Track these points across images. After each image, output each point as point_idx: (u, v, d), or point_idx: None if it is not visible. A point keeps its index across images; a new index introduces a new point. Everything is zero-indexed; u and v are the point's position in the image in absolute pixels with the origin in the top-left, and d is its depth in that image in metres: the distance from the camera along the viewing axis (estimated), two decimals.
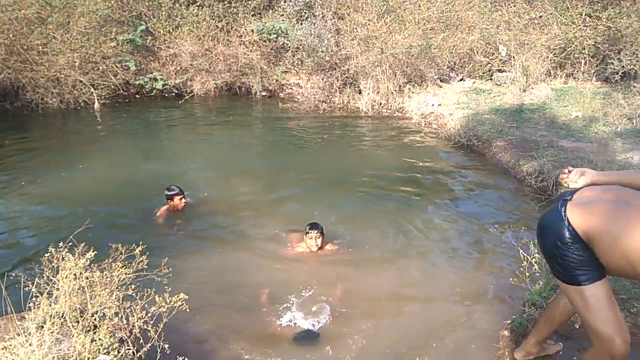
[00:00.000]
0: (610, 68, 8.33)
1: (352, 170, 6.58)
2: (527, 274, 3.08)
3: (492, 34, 10.00)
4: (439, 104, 9.31)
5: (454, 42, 9.96)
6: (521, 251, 3.22)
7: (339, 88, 10.42)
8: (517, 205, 5.36)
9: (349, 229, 4.71)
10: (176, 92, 10.56)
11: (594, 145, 6.26)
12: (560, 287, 2.16)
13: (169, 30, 10.52)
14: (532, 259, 3.20)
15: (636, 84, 7.64)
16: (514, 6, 10.13)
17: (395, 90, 9.89)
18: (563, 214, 1.97)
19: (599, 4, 9.43)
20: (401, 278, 3.87)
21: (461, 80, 10.47)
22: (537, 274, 3.23)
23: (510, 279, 3.21)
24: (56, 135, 8.03)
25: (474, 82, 10.36)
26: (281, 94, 11.27)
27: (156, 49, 10.57)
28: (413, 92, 9.89)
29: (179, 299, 2.71)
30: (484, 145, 7.17)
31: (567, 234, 1.93)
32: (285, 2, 10.70)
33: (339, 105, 10.32)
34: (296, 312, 3.36)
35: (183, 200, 4.91)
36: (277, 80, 11.02)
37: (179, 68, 10.61)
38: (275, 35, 10.50)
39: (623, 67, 8.05)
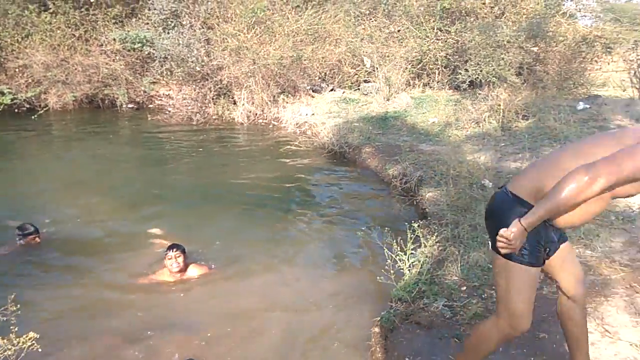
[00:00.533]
0: (459, 77, 9.28)
1: (228, 183, 6.48)
2: (391, 271, 3.27)
3: (357, 47, 10.58)
4: (312, 114, 9.58)
5: (323, 54, 10.35)
6: (386, 250, 3.41)
7: (213, 99, 10.23)
8: (385, 206, 5.69)
9: (222, 245, 4.60)
10: (28, 106, 9.52)
11: (448, 148, 6.89)
12: (497, 264, 2.12)
13: (18, 40, 9.46)
14: (396, 257, 3.40)
15: (481, 91, 8.60)
16: (375, 21, 10.84)
17: (269, 101, 9.98)
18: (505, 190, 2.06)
19: (448, 19, 10.48)
20: (271, 290, 3.87)
21: (332, 90, 10.91)
22: (401, 271, 3.44)
23: (378, 278, 3.37)
24: None
25: (343, 92, 10.85)
26: (150, 106, 10.74)
27: (2, 60, 9.43)
28: (287, 102, 10.06)
29: (29, 339, 2.45)
30: (354, 152, 7.53)
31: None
32: (149, 10, 10.23)
33: (213, 117, 10.12)
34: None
35: (38, 239, 4.43)
36: (144, 92, 10.49)
37: (30, 80, 9.60)
38: (140, 45, 9.97)
39: (469, 76, 9.02)
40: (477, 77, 9.01)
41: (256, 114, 9.97)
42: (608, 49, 10.09)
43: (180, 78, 10.16)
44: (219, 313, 3.52)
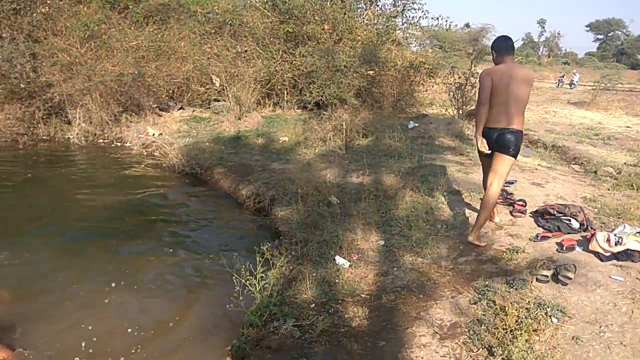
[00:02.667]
0: (305, 98, 9.73)
1: (65, 210, 5.82)
2: (240, 297, 3.25)
3: (205, 65, 10.43)
4: (160, 133, 9.17)
5: (168, 71, 9.99)
6: (235, 276, 3.38)
7: (43, 118, 9.18)
8: (238, 228, 5.66)
9: (54, 280, 4.11)
10: None
11: (298, 166, 7.14)
12: (504, 162, 4.06)
13: None
14: (245, 281, 3.39)
15: (325, 112, 9.12)
16: (221, 40, 10.82)
17: (110, 120, 9.29)
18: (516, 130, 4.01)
19: (292, 43, 10.93)
20: (112, 322, 3.56)
21: (181, 109, 10.57)
22: (252, 295, 3.44)
23: (227, 305, 3.32)
24: None
25: (193, 111, 10.59)
26: None
27: None
28: (131, 122, 9.48)
29: None
30: (206, 173, 7.37)
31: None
32: None
33: (44, 138, 9.08)
34: None
35: None
36: None
37: None
38: None
39: (314, 98, 9.51)
40: (321, 99, 9.53)
41: (95, 134, 9.19)
42: (431, 73, 11.49)
43: (2, 96, 8.92)
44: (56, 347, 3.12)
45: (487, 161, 4.24)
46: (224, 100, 10.34)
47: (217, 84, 10.63)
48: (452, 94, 10.08)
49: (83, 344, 3.26)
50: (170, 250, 4.91)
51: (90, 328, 3.45)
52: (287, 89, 10.94)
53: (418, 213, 4.88)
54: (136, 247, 4.92)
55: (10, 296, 3.88)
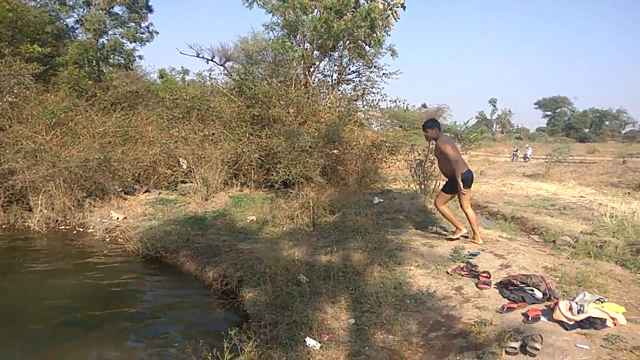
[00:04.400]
0: (272, 178, 9.90)
1: (24, 302, 5.52)
2: None
3: (172, 148, 10.59)
4: (124, 217, 9.04)
5: (135, 155, 10.07)
6: None
7: (3, 206, 8.96)
8: (205, 313, 5.50)
9: None
10: None
11: (266, 245, 7.12)
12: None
13: None
14: None
15: (292, 190, 9.28)
16: (189, 124, 11.09)
17: (73, 205, 9.15)
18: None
19: (259, 125, 11.31)
20: None
21: (147, 191, 10.54)
22: None
23: None
24: None
25: (159, 193, 10.57)
26: None
27: None
28: (94, 206, 9.35)
29: None
30: (172, 256, 7.23)
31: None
32: None
33: (3, 226, 8.78)
34: None
35: None
36: None
37: None
38: None
39: (281, 177, 9.70)
40: (288, 178, 9.73)
41: (57, 220, 8.98)
42: (392, 150, 11.98)
43: None
44: None
45: (450, 196, 6.50)
46: (191, 182, 10.40)
47: (185, 166, 10.74)
48: (413, 169, 10.47)
49: None
50: (133, 340, 4.70)
51: None
52: (254, 168, 11.14)
53: (387, 289, 4.90)
54: (98, 339, 4.69)
55: None
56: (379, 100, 13.15)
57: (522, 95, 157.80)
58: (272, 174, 9.96)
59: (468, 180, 6.19)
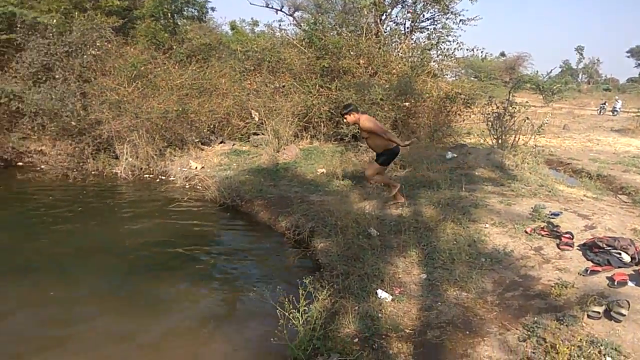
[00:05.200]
0: (342, 131, 9.86)
1: (111, 244, 6.03)
2: (285, 331, 3.27)
3: (244, 100, 10.78)
4: (202, 167, 9.45)
5: (210, 107, 10.37)
6: (278, 309, 3.41)
7: (92, 154, 9.64)
8: (279, 260, 5.72)
9: (96, 312, 4.26)
10: None
11: (337, 197, 7.20)
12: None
13: None
14: (289, 315, 3.42)
15: (362, 144, 9.19)
16: (260, 76, 11.18)
17: (155, 155, 9.67)
18: None
19: (328, 77, 11.18)
20: (156, 354, 3.64)
21: (222, 142, 10.90)
22: (295, 329, 3.46)
23: (272, 339, 3.34)
24: None
25: (233, 144, 10.89)
26: (20, 163, 9.80)
27: None
28: (175, 156, 9.83)
29: None
30: (246, 205, 7.51)
31: None
32: (17, 63, 9.49)
33: (92, 173, 9.50)
34: None
35: None
36: (13, 148, 9.57)
37: None
38: (6, 99, 9.15)
39: (350, 130, 9.62)
40: (357, 131, 9.62)
41: (141, 169, 9.56)
42: (468, 103, 11.45)
43: (54, 133, 9.47)
44: None
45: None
46: (263, 134, 10.61)
47: (256, 118, 10.94)
48: (490, 123, 9.99)
49: None
50: (213, 282, 5.01)
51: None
52: (323, 121, 11.13)
53: (460, 246, 4.82)
54: (179, 279, 5.03)
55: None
56: (454, 49, 12.44)
57: (612, 42, 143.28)
58: (342, 127, 9.90)
59: (394, 155, 6.29)
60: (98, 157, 9.64)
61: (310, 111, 10.85)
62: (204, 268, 5.44)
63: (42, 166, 9.47)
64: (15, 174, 9.14)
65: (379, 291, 4.11)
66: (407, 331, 3.55)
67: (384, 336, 3.51)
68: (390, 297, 4.04)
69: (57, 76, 9.37)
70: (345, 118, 6.21)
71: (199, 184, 8.71)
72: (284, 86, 11.12)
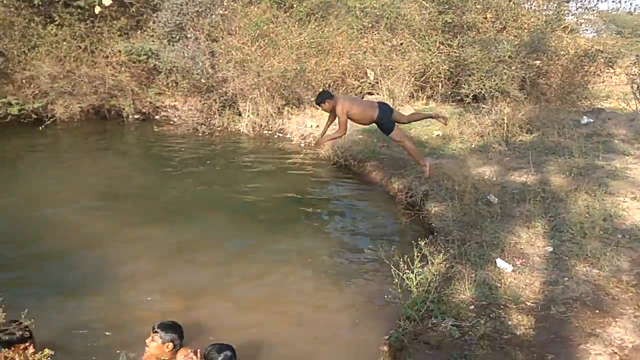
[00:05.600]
0: (462, 91, 9.34)
1: (232, 195, 6.49)
2: (399, 289, 3.28)
3: (360, 59, 10.65)
4: (317, 125, 9.63)
5: (326, 66, 10.42)
6: (393, 268, 3.43)
7: (218, 110, 10.29)
8: (391, 221, 5.72)
9: (220, 260, 4.62)
10: (35, 117, 9.58)
11: (452, 162, 6.92)
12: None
13: (24, 51, 9.56)
14: (403, 275, 3.42)
15: (484, 105, 8.65)
16: (378, 34, 10.91)
17: (274, 112, 10.05)
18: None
19: (450, 33, 10.55)
20: (275, 304, 3.87)
21: None
22: (409, 289, 3.46)
23: (386, 296, 3.38)
24: None
25: None
26: (156, 117, 10.82)
27: (9, 71, 9.52)
28: (292, 114, 10.12)
29: (44, 356, 2.51)
30: (359, 165, 7.56)
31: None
32: (154, 23, 10.32)
33: (218, 128, 10.17)
34: None
35: (29, 348, 2.98)
36: (150, 103, 10.56)
37: (37, 91, 9.67)
38: (145, 57, 10.06)
39: (472, 90, 9.07)
40: (480, 91, 9.06)
41: (261, 125, 10.03)
42: (610, 63, 10.14)
43: (186, 90, 10.24)
44: (222, 325, 3.52)
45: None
46: (377, 94, 10.46)
47: (371, 78, 10.79)
48: (636, 86, 8.77)
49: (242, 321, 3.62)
50: (327, 237, 5.18)
51: (248, 307, 3.82)
52: (442, 81, 10.64)
53: (594, 219, 4.39)
54: (295, 233, 5.28)
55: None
56: (597, 1, 10.99)
57: None
58: (463, 87, 9.37)
59: (384, 119, 6.07)
60: (223, 113, 10.26)
61: (429, 70, 10.41)
62: (318, 223, 5.64)
63: (175, 120, 10.36)
64: (152, 127, 10.13)
65: (499, 260, 3.93)
66: (529, 304, 3.38)
67: (502, 306, 3.38)
68: (511, 267, 3.85)
69: (188, 35, 10.04)
70: (322, 106, 6.03)
71: (314, 142, 8.92)
72: (401, 44, 10.75)
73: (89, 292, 3.98)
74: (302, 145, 9.01)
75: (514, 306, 3.35)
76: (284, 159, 8.18)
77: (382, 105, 6.15)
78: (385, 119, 6.04)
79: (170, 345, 3.08)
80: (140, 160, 8.21)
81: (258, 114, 9.91)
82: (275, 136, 9.71)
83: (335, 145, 8.06)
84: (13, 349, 2.90)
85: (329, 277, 4.28)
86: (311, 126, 9.51)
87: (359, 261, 4.56)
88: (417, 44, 10.58)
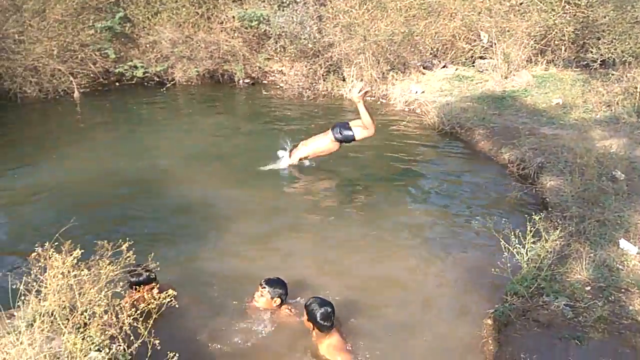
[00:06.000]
0: (589, 55, 8.44)
1: (335, 161, 6.58)
2: (508, 264, 3.16)
3: (474, 21, 10.03)
4: (422, 91, 9.36)
5: (436, 29, 9.98)
6: (502, 242, 3.29)
7: (323, 75, 10.38)
8: (499, 194, 5.46)
9: (326, 222, 4.76)
10: (157, 80, 10.40)
11: (574, 133, 6.38)
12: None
13: (148, 17, 10.33)
14: (513, 249, 3.28)
15: (614, 71, 7.77)
16: None
17: (378, 78, 9.90)
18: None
19: None
20: (383, 270, 3.93)
21: (444, 67, 10.52)
22: (518, 264, 3.31)
23: (493, 270, 3.28)
24: (36, 126, 7.88)
25: (456, 69, 10.41)
26: (264, 82, 11.19)
27: (135, 36, 10.37)
28: (396, 79, 9.90)
29: (168, 295, 2.74)
30: (467, 133, 7.26)
31: None
32: None
33: (322, 93, 10.28)
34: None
35: (155, 289, 3.22)
36: (259, 68, 10.93)
37: (159, 55, 10.42)
38: (256, 22, 10.37)
39: (601, 55, 8.16)
40: (611, 56, 8.12)
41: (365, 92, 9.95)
42: None
43: (293, 55, 10.43)
44: (323, 285, 3.66)
45: None
46: (491, 58, 9.82)
47: (485, 41, 10.14)
48: None
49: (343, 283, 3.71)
50: (430, 204, 5.11)
51: (348, 271, 3.92)
52: (565, 44, 9.68)
53: None
54: (397, 201, 5.27)
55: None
56: None
57: None
58: (590, 51, 8.48)
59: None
60: (328, 78, 10.33)
61: (551, 32, 9.52)
62: (422, 193, 5.57)
63: (282, 85, 10.65)
64: (261, 90, 10.53)
65: (622, 241, 3.61)
66: None
67: (623, 290, 3.13)
68: (636, 249, 3.52)
69: (297, 0, 10.14)
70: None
71: (419, 109, 8.70)
72: (521, 4, 9.91)
73: (202, 244, 4.35)
74: (406, 111, 8.82)
75: (637, 291, 3.07)
76: (388, 125, 8.08)
77: (335, 127, 5.71)
78: (344, 136, 5.58)
79: (278, 300, 3.31)
80: (249, 123, 8.61)
81: (362, 79, 9.83)
82: (378, 102, 9.60)
83: (441, 112, 7.79)
84: (139, 289, 3.26)
85: (434, 247, 4.24)
86: (416, 92, 9.26)
87: (466, 233, 4.45)
88: (539, 3, 9.69)
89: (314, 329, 2.95)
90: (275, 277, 3.40)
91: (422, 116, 8.20)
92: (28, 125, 7.85)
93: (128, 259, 2.85)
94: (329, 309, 2.90)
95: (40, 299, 2.53)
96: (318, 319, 2.86)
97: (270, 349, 3.12)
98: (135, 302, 2.95)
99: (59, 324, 2.49)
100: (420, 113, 8.43)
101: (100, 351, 2.42)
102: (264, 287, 3.33)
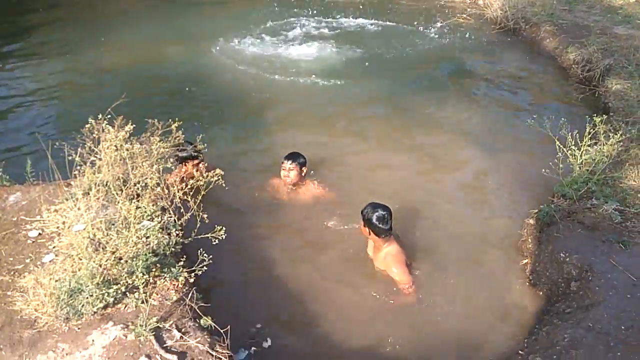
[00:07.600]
0: None
1: (393, 55, 6.26)
2: (560, 165, 3.02)
3: None
4: None
5: None
6: (557, 142, 3.13)
7: None
8: (559, 95, 5.16)
9: (372, 120, 4.67)
10: None
11: None
12: None
13: None
14: (568, 151, 3.12)
15: None
16: None
17: None
18: None
19: None
20: (433, 161, 3.90)
21: None
22: (570, 167, 3.18)
23: (543, 170, 3.16)
24: (88, 5, 7.81)
25: None
26: None
27: None
28: None
29: (216, 174, 2.82)
30: (531, 30, 6.71)
31: None
32: None
33: None
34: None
35: (201, 165, 3.44)
36: None
37: None
38: None
39: None
40: None
41: None
42: None
43: None
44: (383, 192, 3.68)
45: None
46: None
47: None
48: None
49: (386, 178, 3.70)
50: (486, 104, 4.93)
51: (395, 166, 3.91)
52: None
53: None
54: (447, 100, 5.06)
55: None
56: None
57: None
58: None
59: None
60: None
61: None
62: (475, 91, 5.33)
63: None
64: None
65: None
66: None
67: None
68: None
69: None
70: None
71: (481, 1, 8.00)
72: None
73: (249, 131, 4.41)
74: (467, 1, 8.13)
75: None
76: (448, 18, 7.43)
77: None
78: None
79: (305, 168, 3.47)
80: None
81: None
82: None
83: (506, 5, 7.12)
84: (186, 164, 3.41)
85: (483, 145, 4.14)
86: None
87: (519, 132, 4.31)
88: None
89: (370, 235, 2.80)
90: (291, 151, 3.50)
91: (484, 9, 7.54)
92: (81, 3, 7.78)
93: (177, 138, 2.92)
94: (385, 212, 2.74)
95: (95, 171, 2.64)
96: (374, 219, 2.71)
97: (310, 220, 3.32)
98: (185, 177, 3.08)
99: (113, 194, 2.63)
100: (482, 5, 7.75)
101: (153, 220, 2.55)
102: (290, 162, 3.41)
